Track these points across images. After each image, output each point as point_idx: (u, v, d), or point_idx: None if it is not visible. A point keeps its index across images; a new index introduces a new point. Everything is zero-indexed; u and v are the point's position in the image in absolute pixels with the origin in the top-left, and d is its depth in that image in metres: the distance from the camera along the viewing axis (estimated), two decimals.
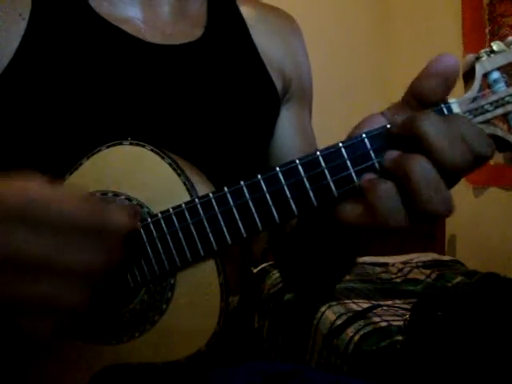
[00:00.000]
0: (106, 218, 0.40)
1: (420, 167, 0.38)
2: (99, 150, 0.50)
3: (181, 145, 0.52)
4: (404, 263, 2.37)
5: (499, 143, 0.45)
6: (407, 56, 2.92)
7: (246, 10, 0.73)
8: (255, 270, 2.17)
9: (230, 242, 0.45)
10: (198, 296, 0.47)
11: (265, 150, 0.71)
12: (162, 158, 0.48)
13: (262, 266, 2.18)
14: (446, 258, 2.47)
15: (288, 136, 0.72)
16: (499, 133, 0.44)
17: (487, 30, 2.32)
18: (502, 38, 0.44)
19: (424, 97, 0.42)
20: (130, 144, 0.49)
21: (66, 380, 0.50)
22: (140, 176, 0.49)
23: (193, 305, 0.48)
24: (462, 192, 2.51)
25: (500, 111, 0.43)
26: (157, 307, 0.48)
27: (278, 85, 0.71)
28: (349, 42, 2.93)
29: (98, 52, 0.60)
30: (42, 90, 0.57)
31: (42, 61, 0.58)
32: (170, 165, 0.48)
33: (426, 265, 2.31)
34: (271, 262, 2.20)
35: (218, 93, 0.65)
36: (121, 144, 0.49)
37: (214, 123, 0.63)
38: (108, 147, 0.50)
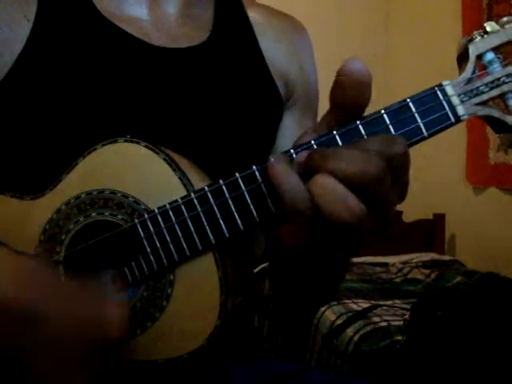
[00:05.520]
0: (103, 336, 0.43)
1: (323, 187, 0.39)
2: (94, 149, 0.50)
3: (183, 148, 0.53)
4: (404, 263, 2.36)
5: (496, 125, 0.44)
6: (408, 56, 2.92)
7: (253, 15, 0.72)
8: (255, 270, 2.16)
9: (227, 235, 0.45)
10: (197, 291, 0.47)
11: (267, 154, 0.70)
12: (157, 153, 0.48)
13: (262, 266, 2.18)
14: (446, 257, 2.47)
15: (287, 143, 0.71)
16: (495, 114, 0.43)
17: None
18: None
19: (347, 106, 0.41)
20: (125, 141, 0.49)
21: (68, 379, 0.50)
22: (135, 172, 0.49)
23: (193, 300, 0.48)
24: (462, 192, 2.52)
25: (496, 92, 0.43)
26: (157, 304, 0.48)
27: (282, 91, 0.71)
28: (349, 43, 2.93)
29: (103, 55, 0.60)
30: (45, 91, 0.57)
31: (47, 63, 0.58)
32: (164, 160, 0.48)
33: (425, 265, 2.31)
34: None
35: (221, 97, 0.64)
36: (115, 141, 0.49)
37: (216, 126, 0.63)
38: (103, 145, 0.50)
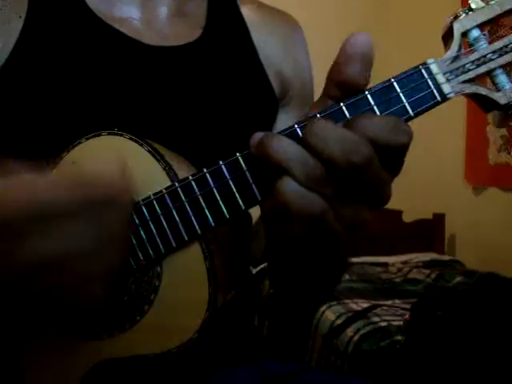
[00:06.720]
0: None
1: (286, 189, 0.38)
2: (79, 143, 0.50)
3: (176, 146, 0.52)
4: (404, 263, 2.37)
5: (484, 103, 0.43)
6: (407, 54, 2.92)
7: (247, 11, 0.72)
8: (255, 270, 2.16)
9: (213, 225, 0.45)
10: (185, 283, 0.47)
11: None
12: (141, 145, 0.48)
13: (262, 266, 2.18)
14: (446, 257, 2.47)
15: None
16: (483, 91, 0.42)
17: None
18: (500, 37, 0.42)
19: (348, 84, 0.40)
20: (109, 134, 0.49)
21: (59, 377, 0.50)
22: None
23: (181, 292, 0.47)
24: (461, 192, 2.52)
25: (483, 69, 0.42)
26: (145, 297, 0.48)
27: (276, 88, 0.70)
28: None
29: (94, 53, 0.60)
30: (36, 88, 0.57)
31: (38, 60, 0.58)
32: (149, 152, 0.48)
33: (425, 265, 2.31)
34: None
35: (213, 94, 0.64)
36: (99, 135, 0.49)
37: (207, 124, 0.63)
38: (87, 139, 0.50)
